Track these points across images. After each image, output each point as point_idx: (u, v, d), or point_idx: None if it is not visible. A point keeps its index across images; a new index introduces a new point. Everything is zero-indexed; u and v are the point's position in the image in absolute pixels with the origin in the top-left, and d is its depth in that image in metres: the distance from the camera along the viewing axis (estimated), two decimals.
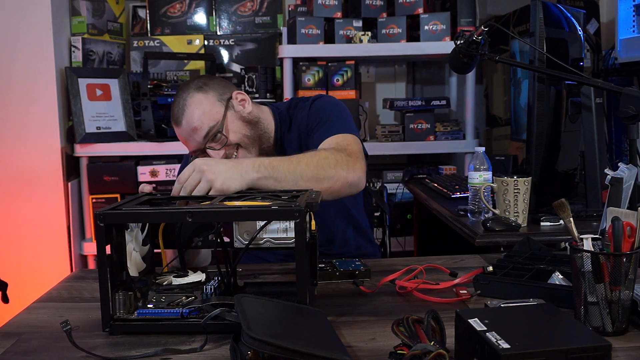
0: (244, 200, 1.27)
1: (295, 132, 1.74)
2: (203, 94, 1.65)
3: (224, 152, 1.64)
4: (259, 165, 1.37)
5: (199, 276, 1.24)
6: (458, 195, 2.19)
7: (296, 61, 2.91)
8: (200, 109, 1.63)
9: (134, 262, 1.20)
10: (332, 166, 1.43)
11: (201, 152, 1.67)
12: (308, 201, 1.17)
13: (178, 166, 2.82)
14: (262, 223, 1.25)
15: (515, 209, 1.78)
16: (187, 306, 1.13)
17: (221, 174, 1.31)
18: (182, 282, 1.22)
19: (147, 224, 1.25)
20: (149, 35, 3.14)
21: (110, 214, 1.12)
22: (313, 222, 1.22)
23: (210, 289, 1.19)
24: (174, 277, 1.23)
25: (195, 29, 3.17)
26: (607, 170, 1.55)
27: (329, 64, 2.91)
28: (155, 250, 1.31)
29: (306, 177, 1.39)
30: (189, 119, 1.63)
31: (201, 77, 1.76)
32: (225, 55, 3.16)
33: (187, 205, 1.25)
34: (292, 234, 1.26)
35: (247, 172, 1.35)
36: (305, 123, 1.72)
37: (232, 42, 3.16)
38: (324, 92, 2.91)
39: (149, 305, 1.16)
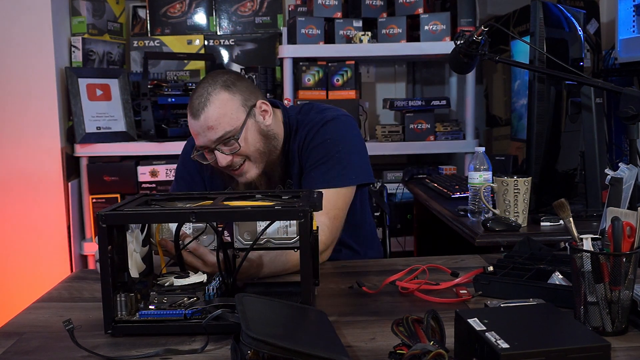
0: (244, 200, 1.27)
1: (297, 142, 1.69)
2: (229, 94, 1.59)
3: (230, 159, 1.60)
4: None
5: (200, 277, 1.24)
6: (458, 195, 2.19)
7: (296, 61, 2.91)
8: (222, 110, 1.57)
9: (135, 263, 1.20)
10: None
11: (208, 150, 1.61)
12: (311, 201, 1.17)
13: None
14: (262, 223, 1.25)
15: (515, 209, 1.78)
16: (189, 307, 1.13)
17: None
18: (184, 283, 1.22)
19: (147, 225, 1.25)
20: (149, 35, 3.14)
21: (113, 215, 1.11)
22: (314, 222, 1.22)
23: (213, 289, 1.19)
24: (175, 278, 1.23)
25: (195, 29, 3.17)
26: (607, 170, 1.55)
27: (329, 64, 2.92)
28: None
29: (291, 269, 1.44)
30: (208, 115, 1.56)
31: (230, 73, 1.67)
32: (225, 55, 3.16)
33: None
34: (292, 234, 1.26)
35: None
36: (310, 139, 1.67)
37: (232, 42, 3.16)
38: (322, 95, 2.91)
39: (150, 307, 1.16)
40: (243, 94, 1.61)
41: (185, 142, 1.87)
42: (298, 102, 2.82)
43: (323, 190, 1.55)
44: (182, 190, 1.77)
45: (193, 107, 1.58)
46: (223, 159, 1.59)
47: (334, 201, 1.60)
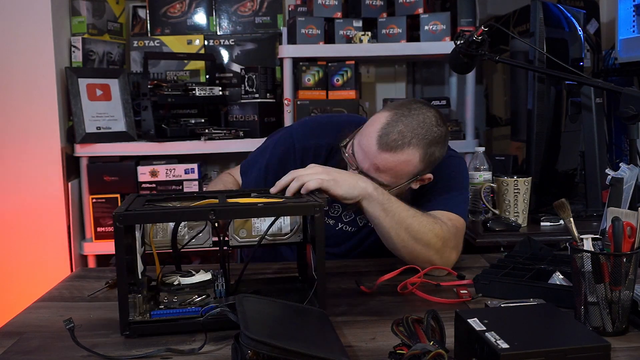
0: (244, 198, 1.27)
1: None
2: (421, 158, 1.45)
3: None
4: (382, 191, 1.37)
5: (206, 275, 1.24)
6: None
7: (296, 61, 2.90)
8: (400, 166, 1.44)
9: (138, 264, 1.20)
10: (436, 245, 1.41)
11: (359, 172, 1.48)
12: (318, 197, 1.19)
13: (178, 166, 2.83)
14: (256, 220, 1.26)
15: (515, 209, 1.78)
16: (203, 305, 1.13)
17: (345, 181, 1.33)
18: (191, 282, 1.22)
19: (143, 225, 1.25)
20: (149, 35, 3.13)
21: (130, 215, 1.10)
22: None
23: (222, 286, 1.20)
24: (180, 277, 1.24)
25: (195, 29, 3.17)
26: (608, 171, 1.55)
27: (329, 64, 2.91)
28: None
29: (408, 229, 1.38)
30: (388, 160, 1.43)
31: (444, 130, 1.50)
32: (225, 55, 3.16)
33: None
34: (285, 230, 1.28)
35: (366, 185, 1.36)
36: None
37: (232, 42, 3.15)
38: (322, 95, 2.90)
39: (160, 307, 1.16)
40: (429, 164, 1.49)
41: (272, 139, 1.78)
42: (298, 102, 2.82)
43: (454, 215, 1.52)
44: (252, 179, 1.70)
45: (386, 138, 1.43)
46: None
47: (461, 222, 1.54)
